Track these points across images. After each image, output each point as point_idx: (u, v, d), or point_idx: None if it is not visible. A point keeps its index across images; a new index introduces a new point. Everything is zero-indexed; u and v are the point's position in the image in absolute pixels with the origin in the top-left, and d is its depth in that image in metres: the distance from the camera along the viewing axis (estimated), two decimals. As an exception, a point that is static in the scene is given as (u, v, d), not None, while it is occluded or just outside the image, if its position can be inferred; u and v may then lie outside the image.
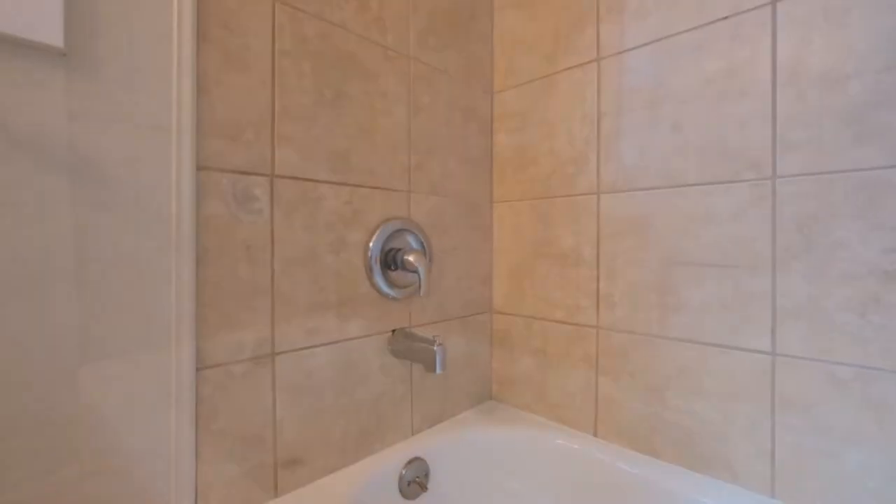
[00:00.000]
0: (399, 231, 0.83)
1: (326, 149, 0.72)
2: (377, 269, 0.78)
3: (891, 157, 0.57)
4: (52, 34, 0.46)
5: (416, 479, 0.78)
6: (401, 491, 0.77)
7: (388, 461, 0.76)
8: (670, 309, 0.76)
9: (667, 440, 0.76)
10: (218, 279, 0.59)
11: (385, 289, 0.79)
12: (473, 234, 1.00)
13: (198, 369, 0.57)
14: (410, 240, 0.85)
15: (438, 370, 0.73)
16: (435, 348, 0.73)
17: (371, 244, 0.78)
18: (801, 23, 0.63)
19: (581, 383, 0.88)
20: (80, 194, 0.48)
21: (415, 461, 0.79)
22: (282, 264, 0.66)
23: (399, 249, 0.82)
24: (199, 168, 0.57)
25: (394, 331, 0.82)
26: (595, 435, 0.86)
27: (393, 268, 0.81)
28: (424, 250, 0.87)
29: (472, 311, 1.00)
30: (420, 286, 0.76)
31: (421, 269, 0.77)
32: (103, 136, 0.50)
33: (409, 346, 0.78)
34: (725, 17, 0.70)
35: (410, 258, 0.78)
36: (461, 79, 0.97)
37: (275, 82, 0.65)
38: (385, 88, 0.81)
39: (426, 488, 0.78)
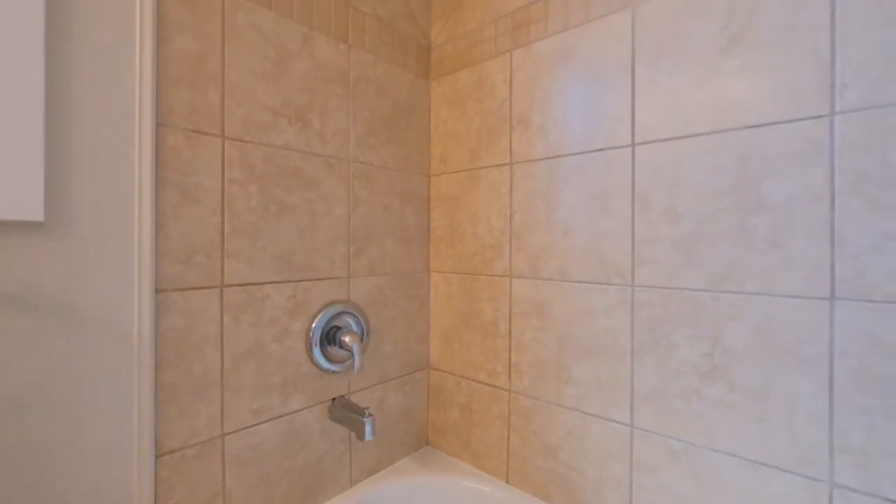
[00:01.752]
0: (339, 313, 0.96)
1: (271, 255, 0.85)
2: (317, 350, 0.92)
3: (705, 283, 0.74)
4: (33, 212, 0.58)
5: (351, 526, 0.92)
6: (338, 538, 0.90)
7: (327, 513, 0.90)
8: (563, 382, 0.92)
9: (559, 489, 0.92)
10: (174, 380, 0.72)
11: (325, 365, 0.93)
12: (411, 303, 1.15)
13: (156, 456, 0.70)
14: (350, 321, 0.98)
15: (367, 438, 0.87)
16: (364, 419, 0.87)
17: (313, 328, 0.91)
18: (650, 166, 0.80)
19: (496, 437, 1.04)
20: (56, 331, 0.60)
21: (351, 511, 0.93)
22: (231, 359, 0.79)
23: (339, 328, 0.95)
24: (158, 291, 0.70)
25: (334, 399, 0.96)
26: (507, 482, 1.01)
27: (333, 344, 0.94)
28: (362, 329, 1.01)
29: (410, 370, 1.14)
30: (355, 362, 0.90)
31: (355, 349, 0.90)
32: (77, 283, 0.62)
33: (345, 415, 0.92)
34: (601, 149, 0.86)
35: (346, 339, 0.92)
36: (400, 167, 1.11)
37: (224, 209, 0.78)
38: (326, 192, 0.94)
39: (360, 534, 0.92)
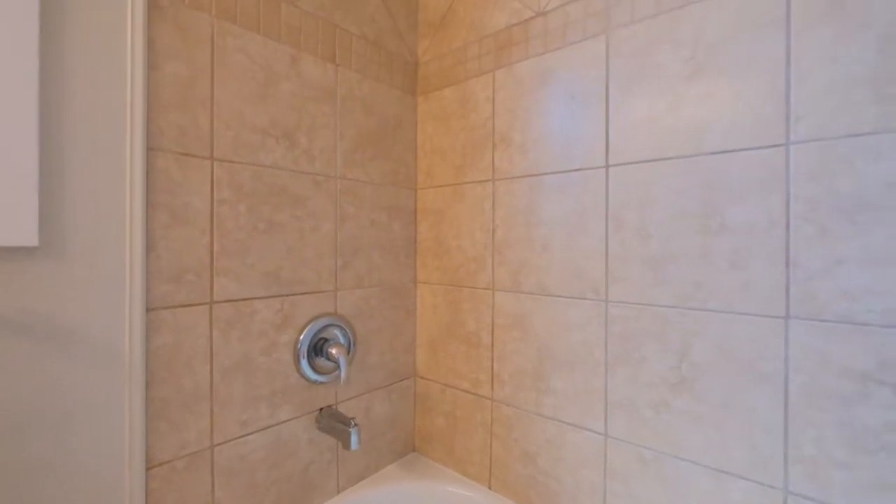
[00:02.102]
0: (327, 325, 0.99)
1: (260, 271, 0.87)
2: (305, 361, 0.94)
3: (673, 300, 0.78)
4: (27, 237, 0.60)
5: (338, 532, 0.96)
6: (325, 543, 0.93)
7: (314, 520, 0.93)
8: (542, 392, 0.96)
9: (538, 495, 0.96)
10: (165, 395, 0.74)
11: (313, 376, 0.96)
12: (397, 313, 1.18)
13: (147, 468, 0.73)
14: (337, 332, 1.01)
15: (353, 448, 0.90)
16: (350, 430, 0.90)
17: (300, 340, 0.94)
18: (623, 187, 0.84)
19: (479, 444, 1.07)
20: (51, 352, 0.63)
21: (338, 517, 0.96)
22: (220, 373, 0.81)
23: (327, 340, 0.98)
24: (149, 310, 0.73)
25: (321, 409, 0.99)
26: (489, 487, 1.05)
27: (321, 355, 0.97)
28: (349, 340, 1.04)
29: (396, 379, 1.18)
30: (341, 374, 0.93)
31: (341, 361, 0.94)
32: (70, 304, 0.64)
33: (332, 425, 0.95)
34: (577, 169, 0.90)
35: (333, 351, 0.95)
36: (387, 182, 1.14)
37: (213, 228, 0.80)
38: (313, 209, 0.97)
39: (347, 539, 0.96)
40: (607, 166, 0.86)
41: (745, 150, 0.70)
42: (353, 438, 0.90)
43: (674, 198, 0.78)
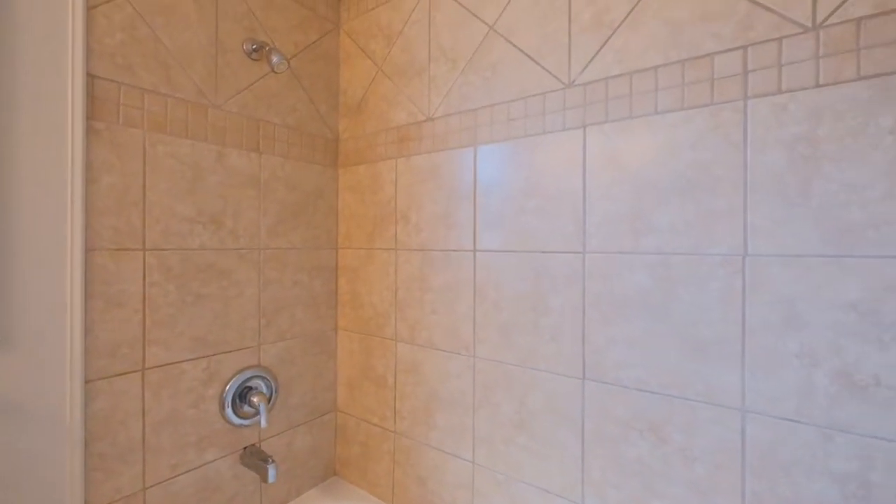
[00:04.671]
0: (251, 377, 1.17)
1: (188, 337, 1.04)
2: (230, 410, 1.12)
3: (516, 360, 1.01)
4: (-17, 337, 0.75)
5: (260, 551, 1.14)
6: (247, 561, 1.11)
7: (238, 542, 1.11)
8: (430, 427, 1.18)
9: (428, 511, 1.18)
10: (101, 450, 0.90)
11: (237, 421, 1.13)
12: (319, 358, 1.37)
13: (86, 512, 0.88)
14: (260, 382, 1.19)
15: (271, 481, 1.09)
16: (268, 466, 1.09)
17: (226, 391, 1.12)
18: (485, 269, 1.07)
19: (386, 469, 1.28)
20: (4, 423, 0.78)
21: (260, 538, 1.14)
22: (151, 427, 0.98)
23: (251, 388, 1.16)
24: (88, 381, 0.88)
25: (245, 448, 1.17)
26: (393, 505, 1.26)
27: (245, 402, 1.15)
28: (271, 387, 1.22)
29: (318, 414, 1.37)
30: (261, 420, 1.11)
31: (262, 408, 1.12)
32: (18, 384, 0.80)
33: (253, 462, 1.13)
34: (455, 250, 1.13)
35: (255, 400, 1.13)
36: (309, 246, 1.33)
37: (145, 307, 0.97)
38: (238, 279, 1.15)
39: (267, 557, 1.14)
40: (475, 251, 1.09)
41: (559, 252, 0.95)
42: (271, 473, 1.09)
43: (517, 282, 1.02)
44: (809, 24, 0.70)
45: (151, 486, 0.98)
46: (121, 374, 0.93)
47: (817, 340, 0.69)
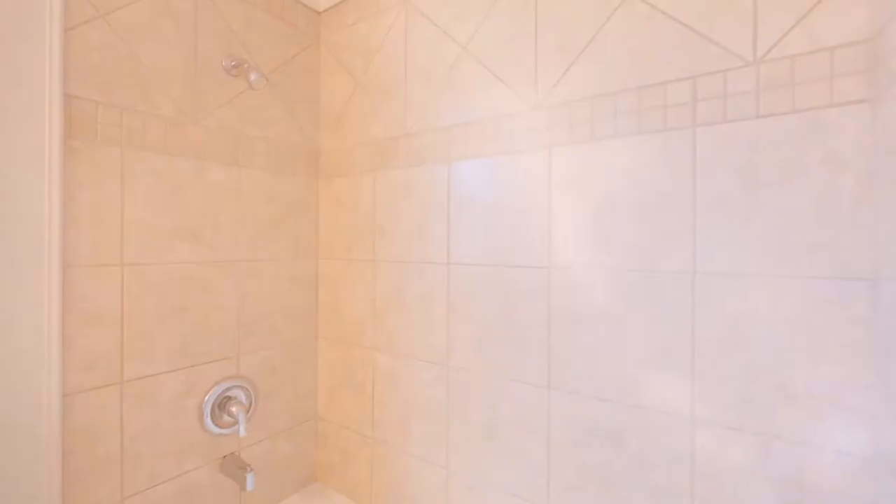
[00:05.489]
0: (230, 387, 1.19)
1: (167, 349, 1.06)
2: (209, 420, 1.14)
3: (487, 369, 1.05)
4: (-40, 355, 0.77)
5: (239, 557, 1.16)
6: (227, 568, 1.14)
7: (217, 549, 1.13)
8: (406, 434, 1.21)
9: (405, 515, 1.22)
10: (79, 464, 0.92)
11: (217, 430, 1.16)
12: (299, 366, 1.39)
13: (65, 523, 0.90)
14: (240, 392, 1.22)
15: (249, 489, 1.11)
16: (246, 474, 1.11)
17: (205, 401, 1.14)
18: (458, 281, 1.11)
19: (364, 474, 1.31)
20: (-20, 439, 0.80)
21: (239, 545, 1.17)
22: (129, 439, 1.00)
23: (230, 398, 1.19)
24: (66, 395, 0.90)
25: (225, 456, 1.19)
26: (371, 510, 1.30)
27: (225, 411, 1.17)
28: (250, 396, 1.24)
29: (299, 421, 1.39)
30: (240, 429, 1.13)
31: (241, 417, 1.14)
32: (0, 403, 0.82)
33: (232, 471, 1.15)
34: (429, 262, 1.16)
35: (233, 409, 1.15)
36: (289, 256, 1.35)
37: (123, 321, 0.99)
38: (218, 291, 1.17)
39: (247, 563, 1.16)
40: (448, 264, 1.13)
41: (527, 267, 0.99)
42: (249, 481, 1.11)
43: (488, 294, 1.06)
44: (751, 59, 0.75)
45: (130, 497, 1.00)
46: (99, 388, 0.95)
47: (757, 355, 0.74)
